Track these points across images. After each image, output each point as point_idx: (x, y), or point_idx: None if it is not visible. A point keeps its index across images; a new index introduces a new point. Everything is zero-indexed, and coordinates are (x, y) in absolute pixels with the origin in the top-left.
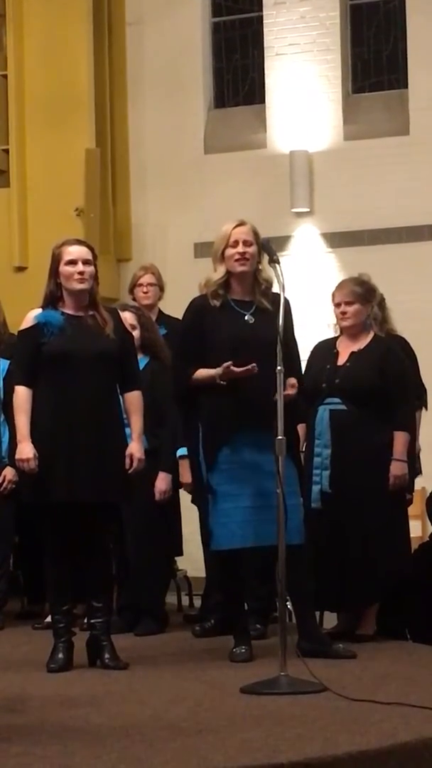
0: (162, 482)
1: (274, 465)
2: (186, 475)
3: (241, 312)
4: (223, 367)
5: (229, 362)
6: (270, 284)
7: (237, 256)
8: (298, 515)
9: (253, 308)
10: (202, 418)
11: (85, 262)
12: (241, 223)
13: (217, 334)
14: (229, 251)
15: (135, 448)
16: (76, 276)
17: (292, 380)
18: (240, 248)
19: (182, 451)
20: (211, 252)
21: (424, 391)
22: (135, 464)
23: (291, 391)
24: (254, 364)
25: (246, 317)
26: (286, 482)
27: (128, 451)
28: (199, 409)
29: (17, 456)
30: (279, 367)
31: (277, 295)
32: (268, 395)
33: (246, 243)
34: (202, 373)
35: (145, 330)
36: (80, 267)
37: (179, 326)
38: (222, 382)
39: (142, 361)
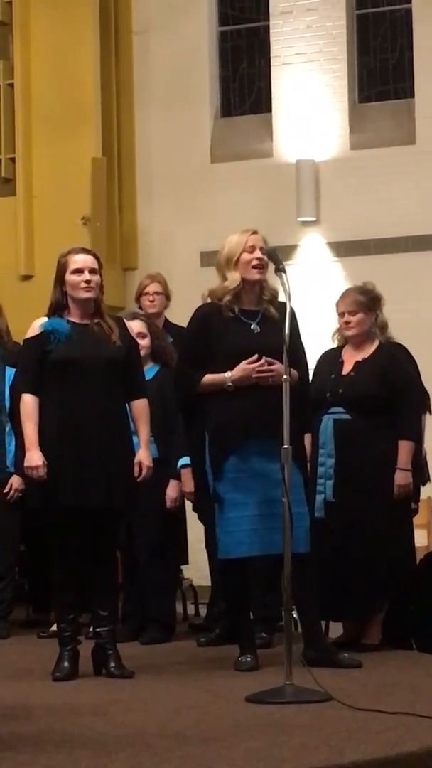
0: (173, 490)
1: (280, 473)
2: (189, 484)
3: (247, 321)
4: (241, 365)
5: (247, 359)
6: (275, 294)
7: (255, 262)
8: (304, 524)
9: (259, 317)
10: (208, 426)
11: (92, 271)
12: (255, 231)
13: (224, 344)
14: (246, 257)
15: (143, 456)
16: (83, 285)
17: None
18: (258, 254)
19: (184, 460)
20: (218, 261)
21: (427, 395)
22: (144, 472)
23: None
24: (266, 359)
25: (252, 326)
26: (292, 490)
27: (137, 459)
28: (205, 417)
29: (26, 464)
30: (285, 377)
31: (283, 304)
32: (276, 403)
33: (262, 250)
34: (211, 378)
35: (155, 338)
36: (86, 276)
37: (184, 333)
38: (230, 385)
39: (152, 369)
